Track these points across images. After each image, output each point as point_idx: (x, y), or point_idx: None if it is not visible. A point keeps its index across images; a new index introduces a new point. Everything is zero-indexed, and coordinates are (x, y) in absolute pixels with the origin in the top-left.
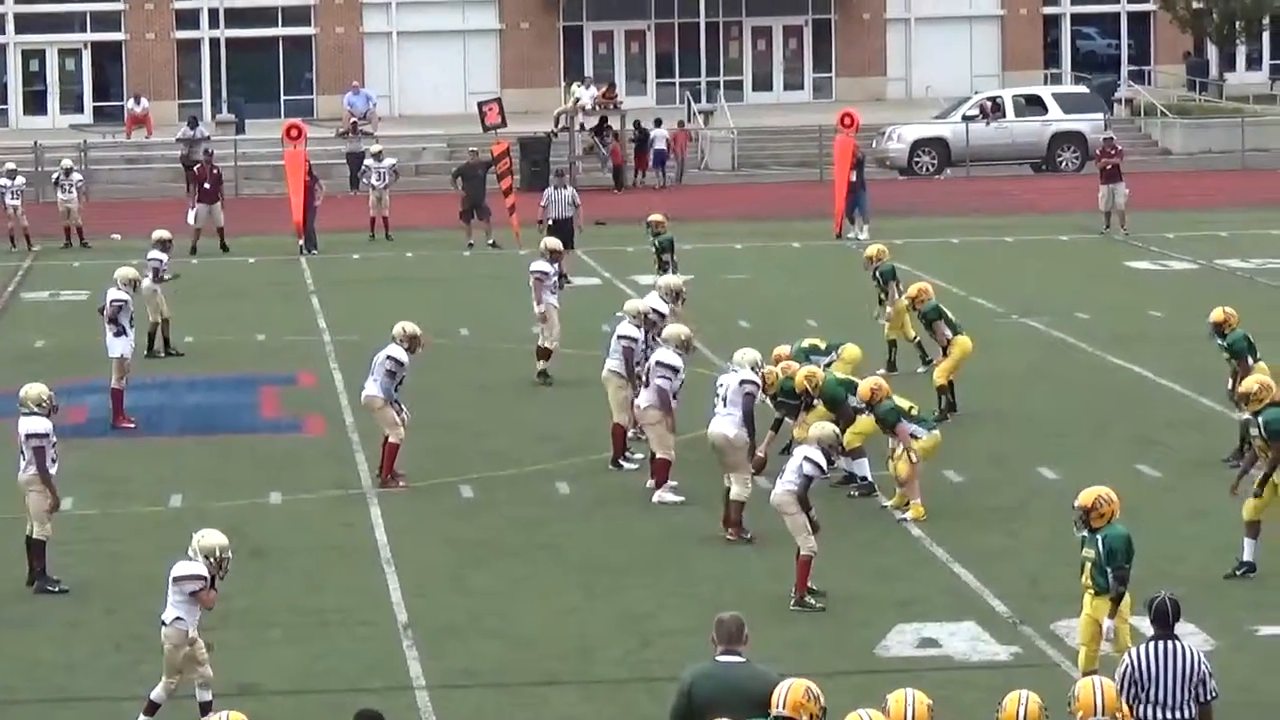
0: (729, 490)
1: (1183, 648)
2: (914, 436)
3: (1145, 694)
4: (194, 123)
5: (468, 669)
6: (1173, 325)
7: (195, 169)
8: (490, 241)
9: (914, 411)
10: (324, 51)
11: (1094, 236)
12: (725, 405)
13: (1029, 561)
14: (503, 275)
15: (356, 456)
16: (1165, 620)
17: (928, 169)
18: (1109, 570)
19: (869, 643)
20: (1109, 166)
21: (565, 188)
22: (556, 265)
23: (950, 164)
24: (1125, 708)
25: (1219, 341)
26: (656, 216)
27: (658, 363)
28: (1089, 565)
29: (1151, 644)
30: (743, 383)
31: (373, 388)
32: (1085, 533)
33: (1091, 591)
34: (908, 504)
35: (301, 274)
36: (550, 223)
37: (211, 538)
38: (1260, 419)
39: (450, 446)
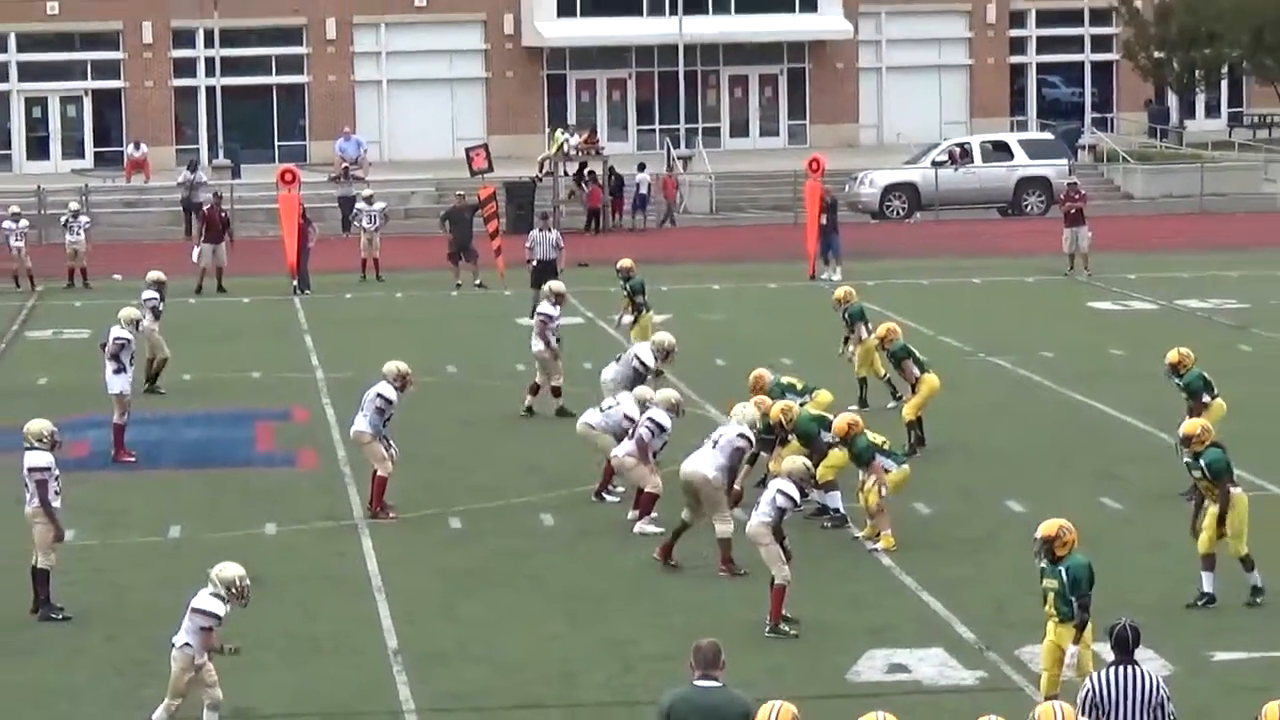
0: (684, 524)
1: (1142, 673)
2: (885, 470)
3: (1107, 717)
4: (193, 166)
5: (455, 693)
6: (1134, 363)
7: (205, 210)
8: (477, 282)
9: (885, 446)
10: (316, 99)
11: (1058, 278)
12: (714, 447)
13: (995, 590)
14: (489, 315)
15: (348, 489)
16: (1126, 646)
17: (898, 213)
18: (1073, 599)
19: (841, 668)
20: (1073, 210)
21: (550, 230)
22: (559, 308)
23: (920, 208)
24: None
25: (1175, 381)
26: (626, 262)
27: (648, 418)
28: (1052, 594)
29: (1112, 669)
30: (739, 435)
31: (362, 423)
32: (1047, 563)
33: (1055, 619)
34: (879, 535)
35: (295, 313)
36: (535, 263)
37: (230, 569)
38: (1202, 461)
39: (438, 480)
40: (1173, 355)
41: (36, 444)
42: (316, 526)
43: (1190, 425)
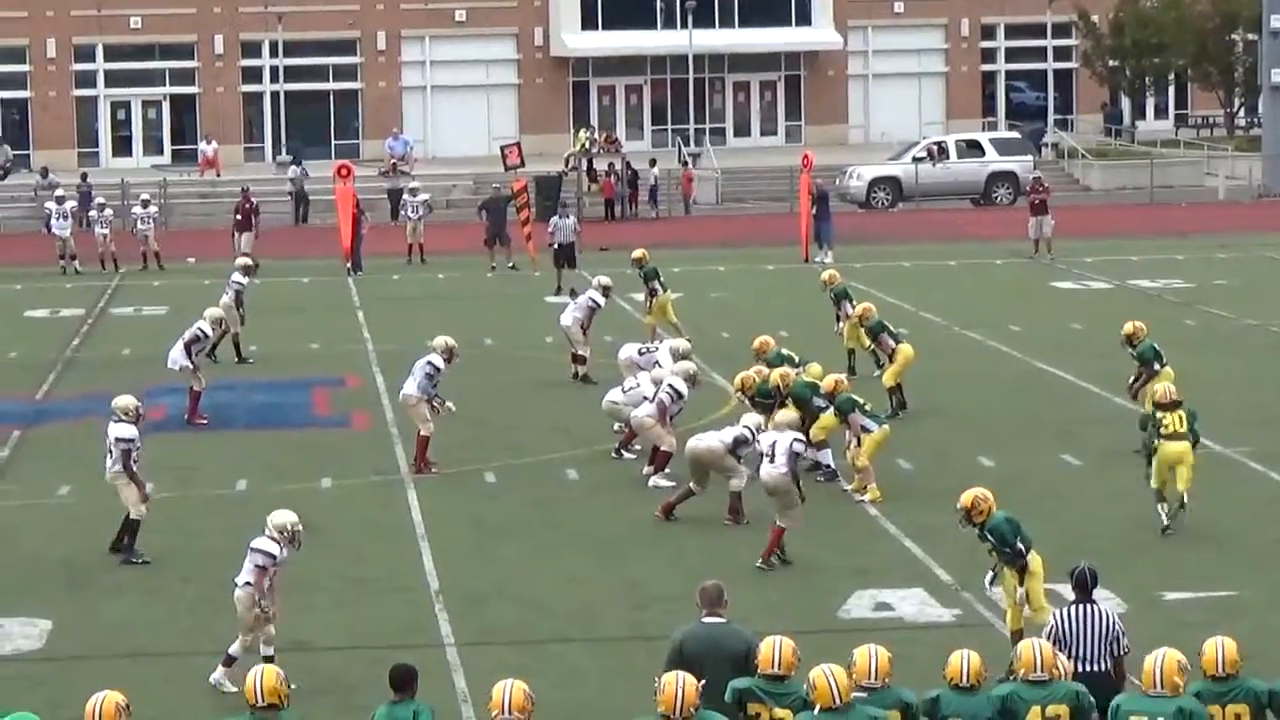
0: (690, 492)
1: (1099, 610)
2: (865, 430)
3: (1068, 650)
4: (299, 161)
5: (491, 629)
6: (1091, 337)
7: (238, 203)
8: (510, 265)
9: (868, 408)
10: (368, 103)
11: (1024, 261)
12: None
13: (969, 536)
14: (521, 293)
15: (395, 448)
16: (1085, 586)
17: (883, 203)
18: (1008, 549)
19: (832, 606)
20: (1037, 201)
21: (568, 216)
22: (606, 300)
23: (903, 199)
24: (1065, 663)
25: (1130, 350)
26: (637, 253)
27: (668, 384)
28: (992, 551)
29: (1072, 607)
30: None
31: (411, 387)
32: (972, 529)
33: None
34: (865, 488)
35: (349, 292)
36: (557, 245)
37: (283, 515)
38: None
39: (476, 439)
40: (1128, 327)
41: (124, 417)
42: (367, 481)
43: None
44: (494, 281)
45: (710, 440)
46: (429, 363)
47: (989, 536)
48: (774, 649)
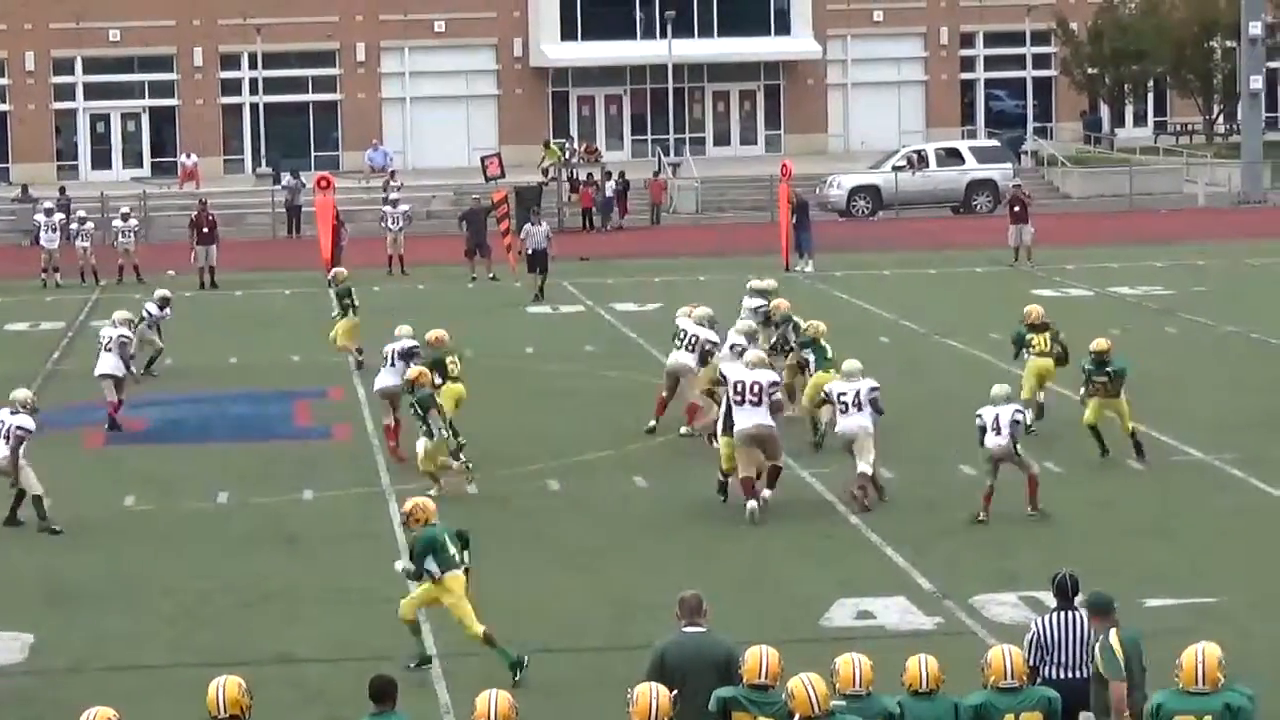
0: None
1: (1080, 616)
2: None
3: (1051, 656)
4: (296, 173)
5: (472, 639)
6: (1072, 344)
7: (193, 215)
8: (491, 275)
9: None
10: (348, 114)
11: (1004, 268)
12: (854, 409)
13: (951, 545)
14: (501, 304)
15: (377, 459)
16: (1066, 593)
17: (863, 212)
18: None
19: (815, 615)
20: (1017, 209)
21: (540, 223)
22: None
23: (882, 207)
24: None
25: (1102, 369)
26: (338, 271)
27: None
28: None
29: (1055, 614)
30: (872, 389)
31: (392, 378)
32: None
33: None
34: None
35: (329, 304)
36: (530, 252)
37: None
38: (1110, 368)
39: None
40: (1101, 343)
41: (21, 409)
42: (349, 492)
43: (1100, 342)
44: (475, 292)
45: (863, 424)
46: (410, 348)
47: None
48: (761, 658)
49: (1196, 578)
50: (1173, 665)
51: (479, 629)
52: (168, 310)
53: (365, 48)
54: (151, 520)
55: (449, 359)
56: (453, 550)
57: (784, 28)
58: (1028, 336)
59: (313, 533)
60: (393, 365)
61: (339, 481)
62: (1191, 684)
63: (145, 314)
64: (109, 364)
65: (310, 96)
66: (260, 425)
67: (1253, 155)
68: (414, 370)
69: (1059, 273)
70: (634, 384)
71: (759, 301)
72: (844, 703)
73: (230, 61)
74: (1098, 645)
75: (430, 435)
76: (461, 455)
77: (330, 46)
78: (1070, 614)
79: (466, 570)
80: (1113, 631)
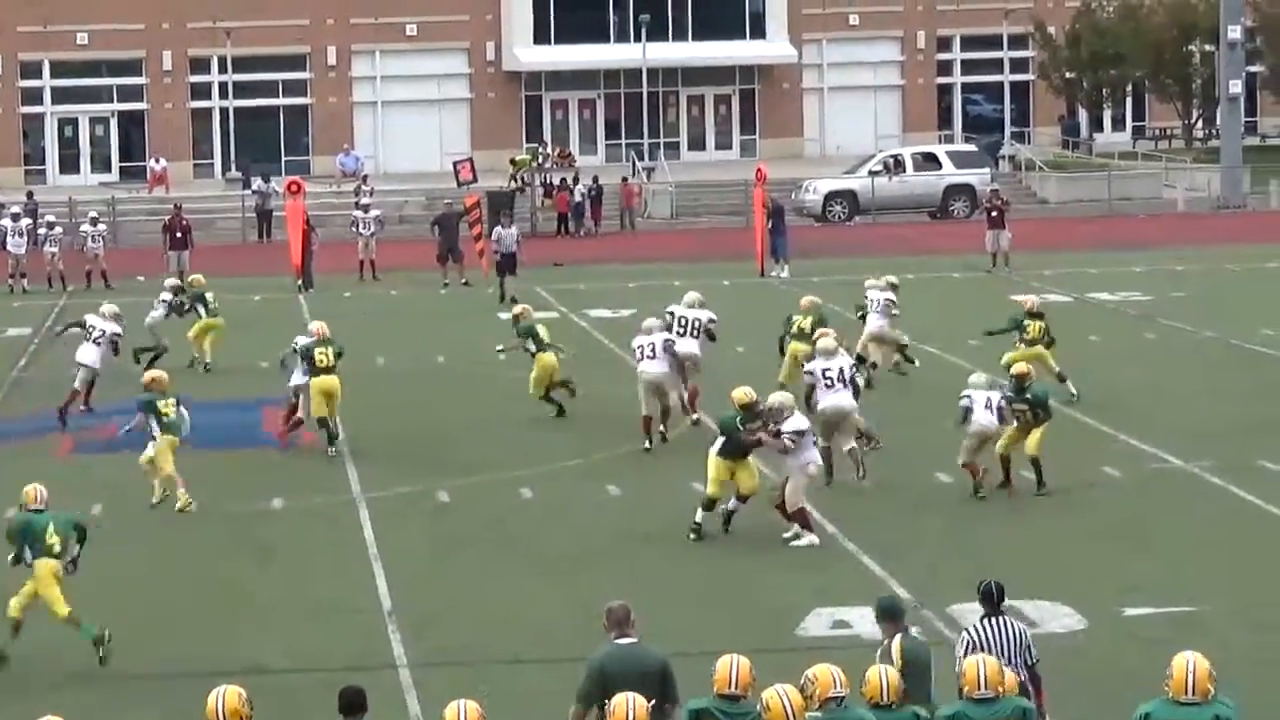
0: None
1: (1008, 621)
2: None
3: None
4: (267, 178)
5: (444, 649)
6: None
7: (167, 220)
8: (463, 281)
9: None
10: (319, 118)
11: (982, 274)
12: (840, 385)
13: (927, 553)
14: (473, 309)
15: (347, 467)
16: (992, 600)
17: (839, 217)
18: None
19: (790, 624)
20: (995, 214)
21: (510, 226)
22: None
23: (859, 212)
24: (1011, 675)
25: (1024, 396)
26: (194, 277)
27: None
28: None
29: (985, 620)
30: (852, 365)
31: (298, 377)
32: None
33: None
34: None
35: (300, 309)
36: (500, 255)
37: None
38: (1029, 394)
39: (428, 457)
40: (1021, 368)
41: None
42: (318, 500)
43: (1020, 366)
44: (447, 298)
45: (845, 401)
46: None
47: None
48: (730, 668)
49: (1176, 587)
50: (1164, 675)
51: (64, 610)
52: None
53: (336, 51)
54: (119, 529)
55: (318, 350)
56: (54, 540)
57: (759, 31)
58: (1024, 322)
59: (282, 542)
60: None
61: (308, 490)
62: (1182, 694)
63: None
64: (91, 355)
65: (281, 100)
66: (229, 432)
67: (1232, 160)
68: (148, 375)
69: (1037, 278)
70: (607, 391)
71: (889, 295)
72: (820, 714)
73: (200, 65)
74: (879, 652)
75: (154, 439)
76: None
77: (301, 50)
78: (998, 619)
79: (74, 562)
80: (896, 639)
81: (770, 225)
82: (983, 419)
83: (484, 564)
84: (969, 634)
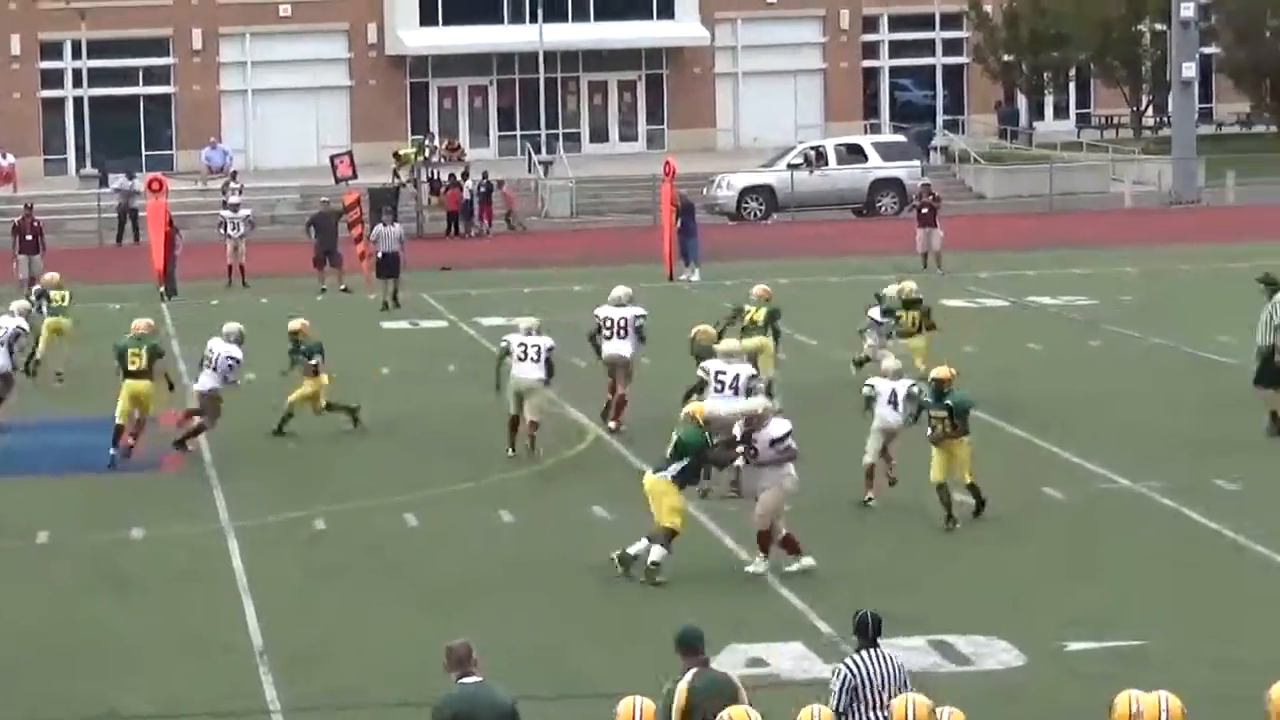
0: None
1: (886, 654)
2: None
3: (865, 697)
4: (131, 174)
5: (320, 692)
6: (985, 359)
7: (16, 222)
8: (342, 287)
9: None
10: (183, 108)
11: (913, 276)
12: (732, 393)
13: (853, 584)
14: (353, 318)
15: (213, 491)
16: (867, 632)
17: (756, 214)
18: None
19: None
20: (925, 211)
21: (393, 224)
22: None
23: (777, 210)
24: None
25: (942, 401)
26: (50, 275)
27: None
28: None
29: (862, 653)
30: (751, 376)
31: (212, 380)
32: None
33: None
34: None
35: (162, 319)
36: (380, 256)
37: None
38: (950, 400)
39: (303, 482)
40: (942, 372)
41: None
42: (182, 529)
43: (941, 370)
44: (324, 306)
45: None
46: (230, 356)
47: None
48: (634, 709)
49: (1122, 619)
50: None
51: None
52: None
53: (202, 35)
54: None
55: (132, 350)
56: None
57: (667, 11)
58: (898, 311)
59: (143, 574)
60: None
61: (171, 517)
62: None
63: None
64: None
65: (141, 89)
66: (84, 456)
67: (1185, 150)
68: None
69: (972, 281)
70: (501, 408)
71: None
72: None
73: (51, 50)
74: (665, 689)
75: None
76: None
77: (163, 33)
78: (876, 652)
79: None
80: (687, 677)
81: (679, 224)
82: (886, 414)
83: (364, 598)
84: (845, 668)
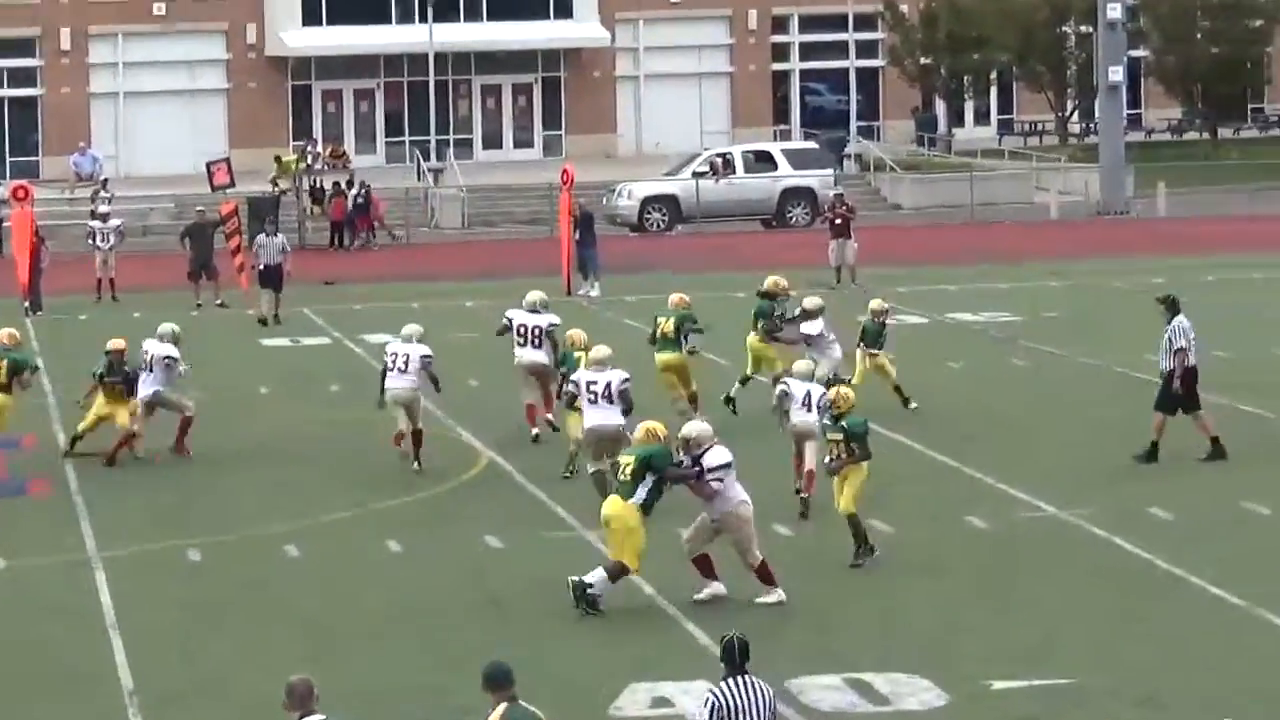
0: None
1: (755, 682)
2: None
3: None
4: None
5: None
6: (903, 378)
7: None
8: (218, 301)
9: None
10: (50, 112)
11: (825, 291)
12: (604, 402)
13: (761, 618)
14: (231, 335)
15: (80, 520)
16: (734, 658)
17: (658, 225)
18: None
19: (601, 703)
20: (839, 222)
21: (275, 235)
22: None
23: (681, 220)
24: None
25: (840, 424)
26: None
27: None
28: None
29: (730, 680)
30: (624, 380)
31: (154, 383)
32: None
33: None
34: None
35: (27, 335)
36: (261, 268)
37: None
38: (845, 423)
39: (176, 510)
40: (841, 393)
41: None
42: (46, 560)
43: (842, 392)
44: (200, 321)
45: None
46: (168, 356)
47: None
48: None
49: (1050, 656)
50: None
51: None
52: None
53: (71, 34)
54: None
55: None
56: None
57: (565, 11)
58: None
59: (5, 609)
60: None
61: (36, 548)
62: None
63: None
64: None
65: (5, 91)
66: None
67: (1113, 159)
68: None
69: (889, 296)
70: (388, 430)
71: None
72: None
73: None
74: None
75: None
76: None
77: (29, 33)
78: (745, 678)
79: None
80: (497, 711)
81: (578, 236)
82: (797, 416)
83: (242, 635)
84: (713, 696)
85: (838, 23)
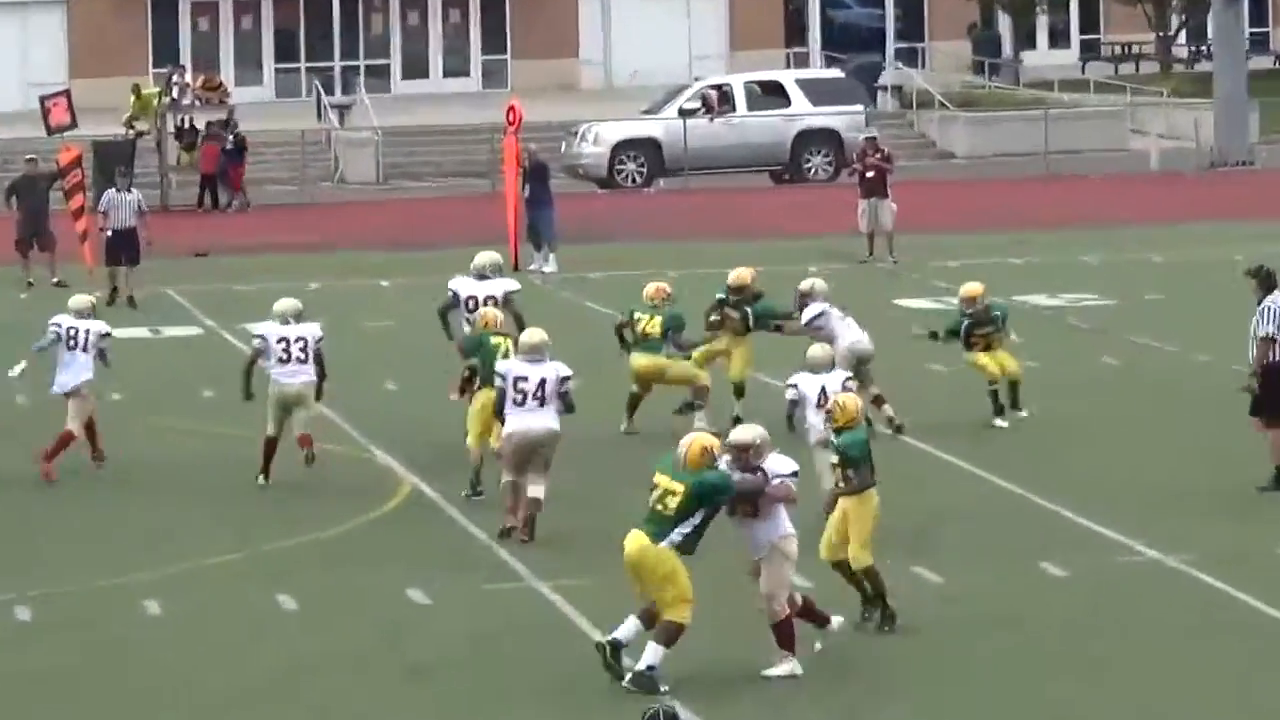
0: None
1: None
2: None
3: None
4: None
5: None
6: (954, 382)
7: None
8: (55, 279)
9: None
10: None
11: (853, 266)
12: (535, 403)
13: (760, 690)
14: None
15: None
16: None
17: (634, 179)
18: None
19: None
20: (870, 174)
21: (129, 191)
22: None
23: (663, 172)
24: None
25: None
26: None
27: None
28: None
29: None
30: (563, 378)
31: (87, 373)
32: None
33: None
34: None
35: None
36: (111, 233)
37: None
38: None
39: (2, 552)
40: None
41: None
42: None
43: (844, 401)
44: (31, 304)
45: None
46: (101, 333)
47: None
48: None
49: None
50: None
51: None
52: None
53: None
54: None
55: None
56: None
57: None
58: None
59: None
60: None
61: None
62: None
63: None
64: None
65: None
66: None
67: (1232, 92)
68: None
69: (936, 273)
70: (286, 446)
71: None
72: None
73: None
74: None
75: None
76: None
77: None
78: None
79: None
80: None
81: (527, 194)
82: (815, 420)
83: (88, 713)
84: None
85: None
